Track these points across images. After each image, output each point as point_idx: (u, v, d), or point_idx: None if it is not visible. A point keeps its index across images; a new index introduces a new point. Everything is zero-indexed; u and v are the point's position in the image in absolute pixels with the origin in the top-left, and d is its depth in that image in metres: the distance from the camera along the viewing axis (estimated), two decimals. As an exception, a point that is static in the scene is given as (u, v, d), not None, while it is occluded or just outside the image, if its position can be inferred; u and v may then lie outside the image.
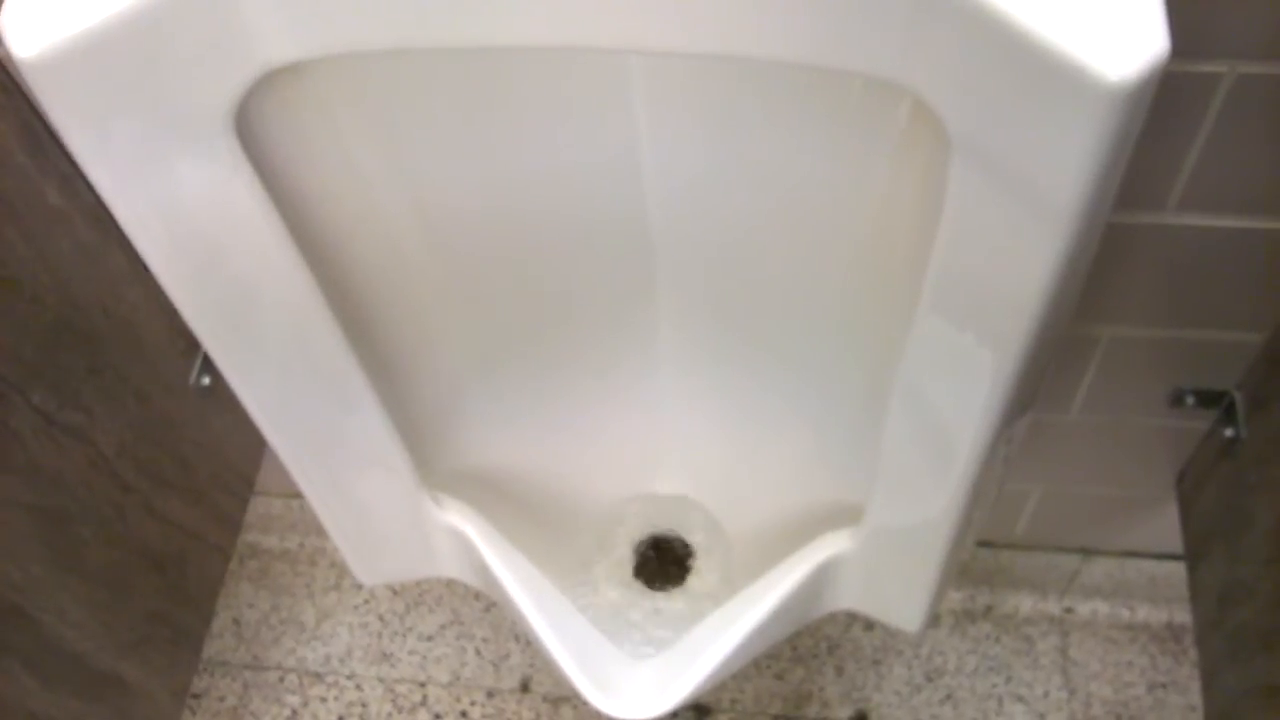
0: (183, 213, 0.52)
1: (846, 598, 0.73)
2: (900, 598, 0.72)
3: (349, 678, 1.28)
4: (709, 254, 0.70)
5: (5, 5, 0.45)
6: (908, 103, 0.55)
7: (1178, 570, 1.16)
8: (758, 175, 0.63)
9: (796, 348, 0.74)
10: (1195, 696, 1.19)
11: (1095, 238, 0.48)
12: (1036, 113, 0.41)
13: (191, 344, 0.58)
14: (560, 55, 0.58)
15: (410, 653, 1.29)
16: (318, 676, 1.28)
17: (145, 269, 0.54)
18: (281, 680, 1.28)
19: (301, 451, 0.66)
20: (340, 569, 1.33)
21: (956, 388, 0.55)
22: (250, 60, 0.49)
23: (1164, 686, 1.21)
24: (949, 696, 1.22)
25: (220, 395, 0.60)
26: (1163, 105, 0.41)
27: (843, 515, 0.70)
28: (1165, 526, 1.09)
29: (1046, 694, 1.22)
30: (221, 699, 1.27)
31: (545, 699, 1.25)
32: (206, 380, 0.99)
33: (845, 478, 0.74)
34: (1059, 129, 0.41)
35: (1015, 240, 0.46)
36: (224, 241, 0.54)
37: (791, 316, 0.72)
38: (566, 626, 0.70)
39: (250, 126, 0.52)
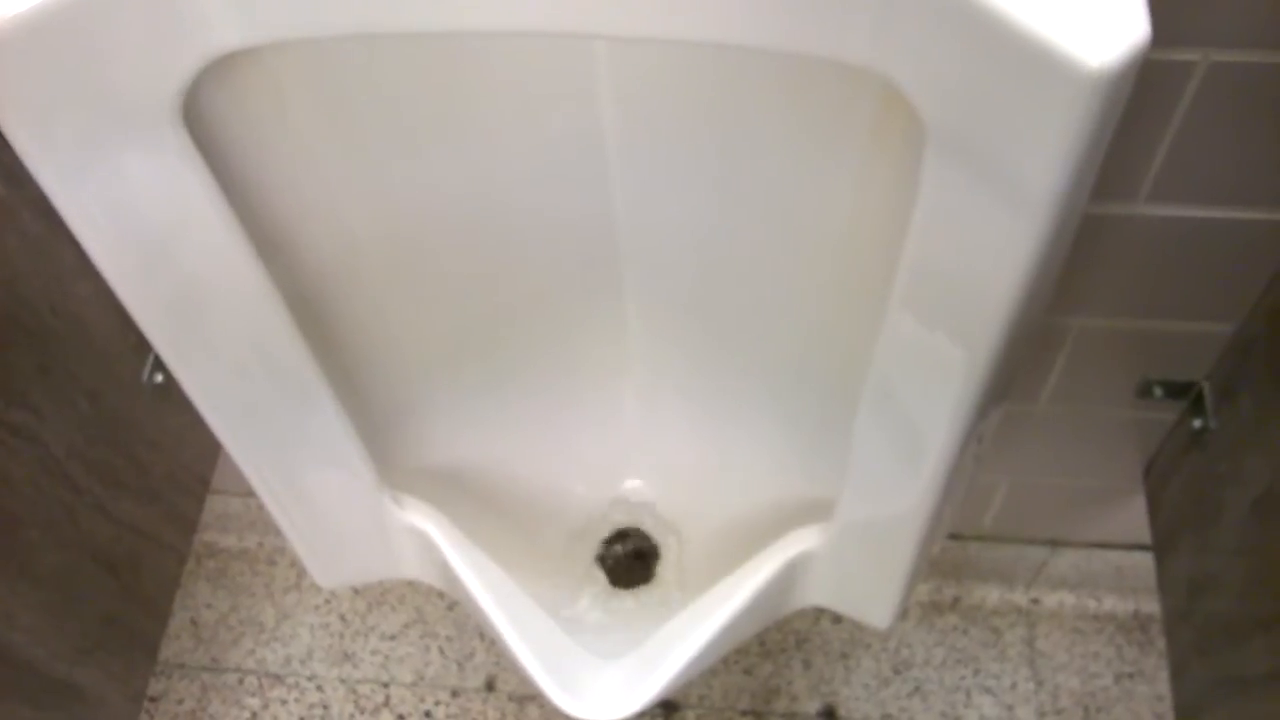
0: (130, 206, 0.50)
1: (816, 594, 0.72)
2: (870, 594, 0.71)
3: (310, 679, 1.26)
4: (677, 249, 0.69)
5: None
6: (879, 93, 0.54)
7: (1144, 560, 1.17)
8: (726, 169, 0.62)
9: (766, 343, 0.73)
10: (1163, 686, 1.20)
11: (1072, 230, 0.47)
12: (1014, 101, 0.40)
13: (143, 341, 0.56)
14: (522, 43, 0.57)
15: (373, 653, 1.27)
16: (278, 678, 1.26)
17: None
18: (241, 682, 1.26)
19: (256, 452, 0.64)
20: (300, 568, 1.31)
21: (928, 384, 0.54)
22: (198, 45, 0.47)
23: (1131, 677, 1.21)
24: (917, 689, 1.22)
25: (174, 393, 0.59)
26: (1135, 94, 0.40)
27: (813, 511, 0.69)
28: (1133, 518, 1.09)
29: (1014, 685, 1.22)
30: (180, 702, 1.25)
31: (511, 698, 1.23)
32: (159, 378, 0.97)
33: (815, 474, 0.73)
34: (1037, 118, 0.40)
35: (991, 233, 0.45)
36: (173, 236, 0.52)
37: (761, 312, 0.71)
38: (531, 627, 0.69)
39: (200, 116, 0.50)
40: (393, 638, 1.28)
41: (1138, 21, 0.38)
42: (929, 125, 0.43)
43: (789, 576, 0.70)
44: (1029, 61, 0.38)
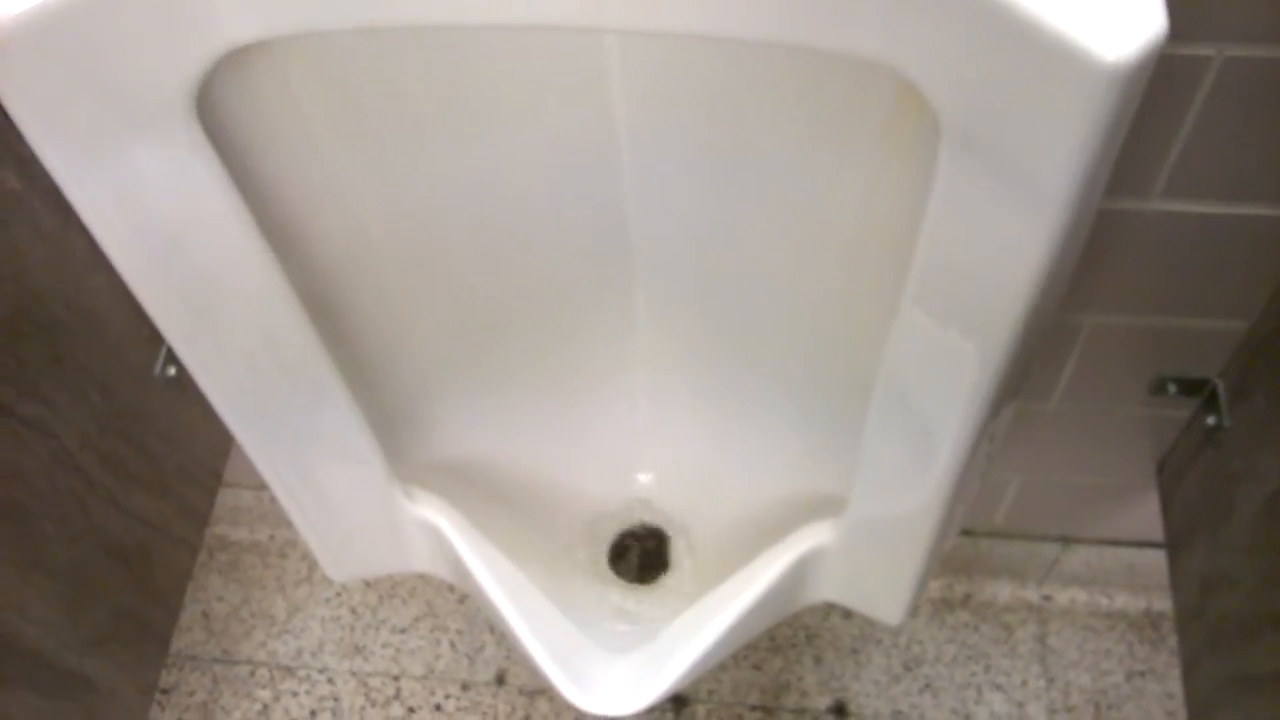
0: (142, 199, 0.50)
1: (828, 590, 0.72)
2: (882, 590, 0.71)
3: (321, 671, 1.26)
4: (688, 245, 0.69)
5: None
6: (892, 88, 0.53)
7: (1155, 558, 1.16)
8: (737, 165, 0.62)
9: (777, 339, 0.73)
10: (1174, 684, 1.19)
11: (1086, 226, 0.46)
12: (1029, 95, 0.40)
13: (156, 334, 0.56)
14: (534, 37, 0.56)
15: (383, 646, 1.27)
16: (289, 670, 1.26)
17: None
18: (252, 674, 1.26)
19: (268, 445, 0.64)
20: (311, 561, 1.31)
21: (940, 381, 0.54)
22: (211, 39, 0.47)
23: (1142, 675, 1.21)
24: (928, 686, 1.22)
25: (187, 386, 0.59)
26: (1149, 89, 0.40)
27: (823, 507, 0.69)
28: (1145, 515, 1.08)
29: (1025, 682, 1.21)
30: (191, 693, 1.25)
31: (521, 691, 1.23)
32: (172, 371, 0.97)
33: (827, 470, 0.73)
34: (1053, 112, 0.40)
35: (1005, 229, 0.45)
36: (185, 229, 0.52)
37: (772, 308, 0.71)
38: (542, 621, 0.69)
39: (212, 109, 0.50)
40: (403, 631, 1.28)
41: (1154, 16, 0.38)
42: (943, 119, 0.43)
43: (800, 572, 0.69)
44: (1045, 55, 0.38)
